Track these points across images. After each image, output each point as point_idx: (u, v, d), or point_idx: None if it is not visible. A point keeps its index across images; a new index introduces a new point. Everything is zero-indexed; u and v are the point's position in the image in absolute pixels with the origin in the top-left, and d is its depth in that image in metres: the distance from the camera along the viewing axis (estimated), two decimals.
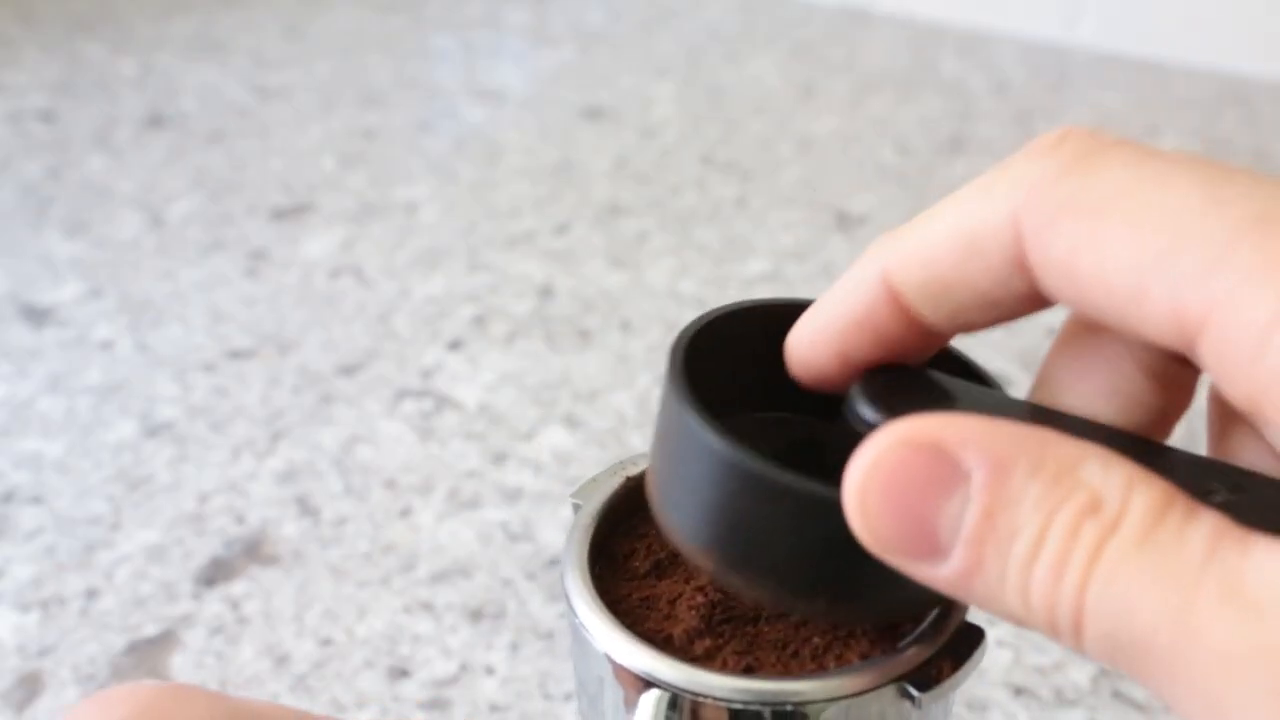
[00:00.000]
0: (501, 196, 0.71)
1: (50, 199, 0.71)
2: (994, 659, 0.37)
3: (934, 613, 0.20)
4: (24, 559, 0.43)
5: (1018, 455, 0.14)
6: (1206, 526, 0.13)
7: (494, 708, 0.36)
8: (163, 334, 0.57)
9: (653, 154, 0.77)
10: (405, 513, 0.44)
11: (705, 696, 0.18)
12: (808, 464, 0.18)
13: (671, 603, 0.21)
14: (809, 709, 0.18)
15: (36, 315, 0.59)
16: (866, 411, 0.17)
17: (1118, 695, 0.35)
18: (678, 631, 0.20)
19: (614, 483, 0.23)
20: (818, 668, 0.20)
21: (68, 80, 0.90)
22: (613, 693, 0.20)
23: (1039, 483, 0.13)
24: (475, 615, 0.40)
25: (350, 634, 0.39)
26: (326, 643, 0.39)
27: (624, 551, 0.23)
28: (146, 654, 0.38)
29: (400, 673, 0.37)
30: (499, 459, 0.47)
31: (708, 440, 0.17)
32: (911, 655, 0.19)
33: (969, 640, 0.20)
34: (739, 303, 0.21)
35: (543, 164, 0.76)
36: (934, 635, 0.20)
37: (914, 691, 0.19)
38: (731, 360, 0.21)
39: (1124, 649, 0.13)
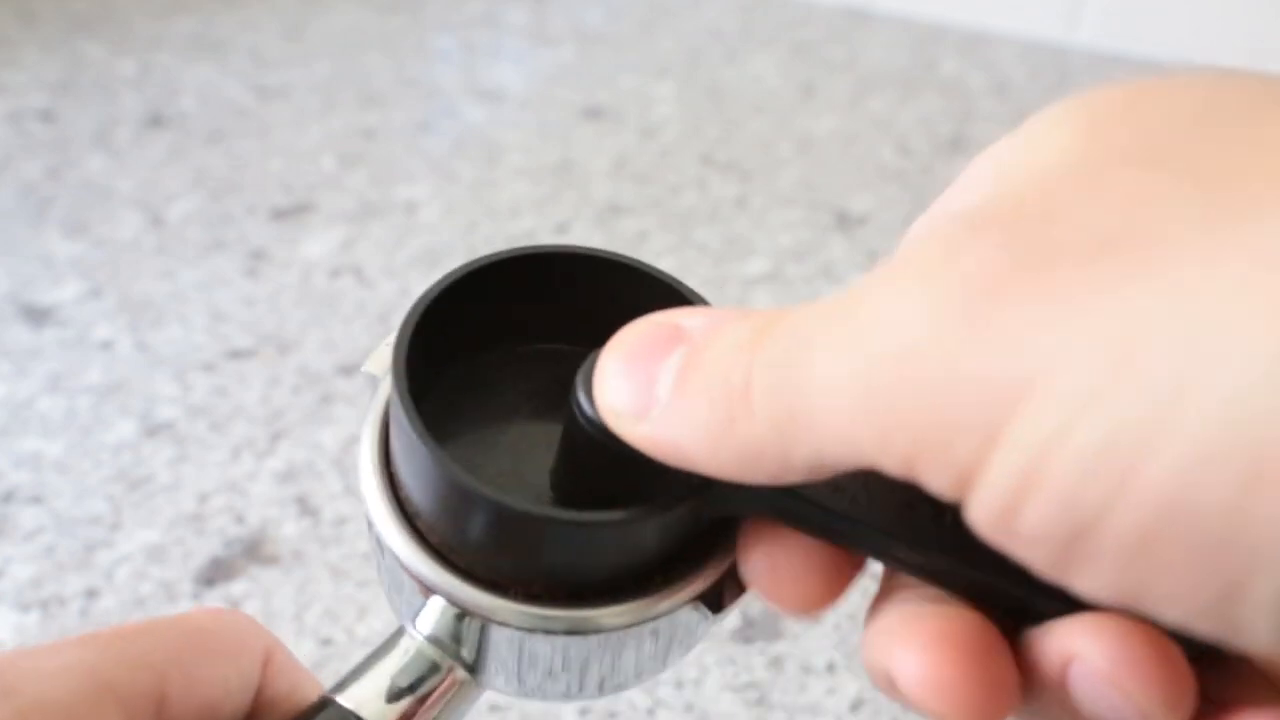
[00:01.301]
0: (501, 196, 0.71)
1: (50, 199, 0.71)
2: None
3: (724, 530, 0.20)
4: (24, 559, 0.43)
5: (732, 314, 0.16)
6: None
7: (494, 708, 0.36)
8: (163, 334, 0.57)
9: (653, 154, 0.77)
10: None
11: (493, 620, 0.18)
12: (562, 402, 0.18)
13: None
14: (606, 634, 0.18)
15: (36, 315, 0.59)
16: (587, 406, 0.18)
17: None
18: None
19: (405, 346, 0.20)
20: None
21: (68, 80, 0.90)
22: (409, 586, 0.19)
23: (746, 322, 0.16)
24: None
25: (350, 634, 0.39)
26: (326, 643, 0.39)
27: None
28: None
29: None
30: None
31: (422, 447, 0.18)
32: (706, 576, 0.19)
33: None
34: (472, 263, 0.21)
35: (543, 164, 0.76)
36: (726, 551, 0.19)
37: (708, 611, 0.19)
38: (497, 303, 0.22)
39: (784, 382, 0.15)
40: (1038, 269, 0.13)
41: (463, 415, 0.21)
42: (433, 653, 0.20)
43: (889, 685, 0.16)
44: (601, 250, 0.22)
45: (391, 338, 0.20)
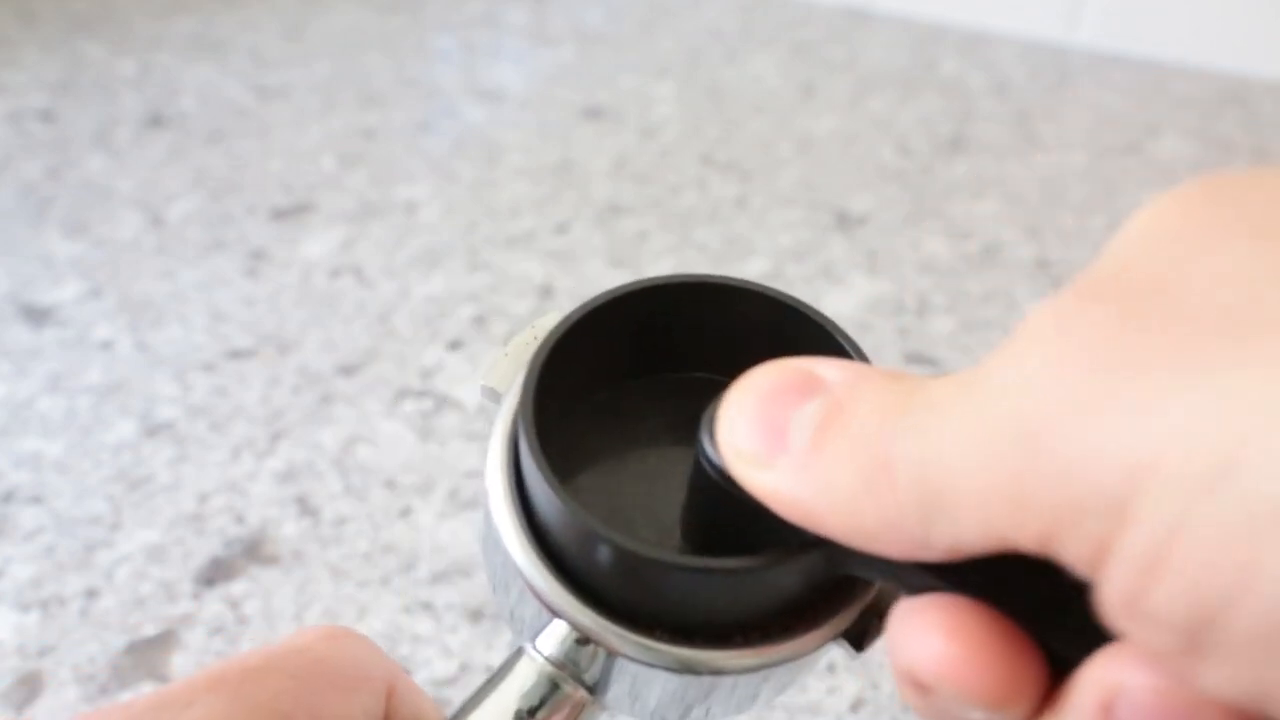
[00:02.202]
0: (501, 196, 0.71)
1: (50, 199, 0.71)
2: None
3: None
4: (24, 559, 0.43)
5: (875, 372, 0.16)
6: None
7: None
8: (163, 334, 0.57)
9: (653, 154, 0.77)
10: (405, 513, 0.44)
11: (625, 656, 0.18)
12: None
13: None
14: (735, 677, 0.18)
15: (36, 315, 0.59)
16: (712, 453, 0.17)
17: None
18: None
19: (529, 353, 0.20)
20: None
21: (68, 80, 0.90)
22: (532, 605, 0.19)
23: (888, 380, 0.15)
24: (475, 615, 0.40)
25: None
26: None
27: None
28: (146, 654, 0.38)
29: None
30: None
31: (549, 491, 0.17)
32: (844, 615, 0.19)
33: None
34: (624, 287, 0.21)
35: (543, 164, 0.76)
36: (863, 589, 0.19)
37: (851, 649, 0.19)
38: (634, 331, 0.21)
39: (930, 469, 0.14)
40: (1156, 337, 0.12)
41: (600, 441, 0.21)
42: (555, 674, 0.19)
43: (911, 678, 0.16)
44: (761, 286, 0.21)
45: (509, 346, 0.20)
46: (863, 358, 0.20)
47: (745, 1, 1.08)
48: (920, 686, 0.16)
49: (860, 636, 0.19)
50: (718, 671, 0.18)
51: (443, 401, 0.51)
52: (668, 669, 0.18)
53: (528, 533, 0.19)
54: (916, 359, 0.53)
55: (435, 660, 0.38)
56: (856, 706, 0.36)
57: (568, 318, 0.20)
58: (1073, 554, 0.13)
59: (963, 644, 0.15)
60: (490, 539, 0.20)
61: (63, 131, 0.81)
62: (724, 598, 0.18)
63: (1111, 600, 0.13)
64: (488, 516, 0.20)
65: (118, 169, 0.75)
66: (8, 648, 0.39)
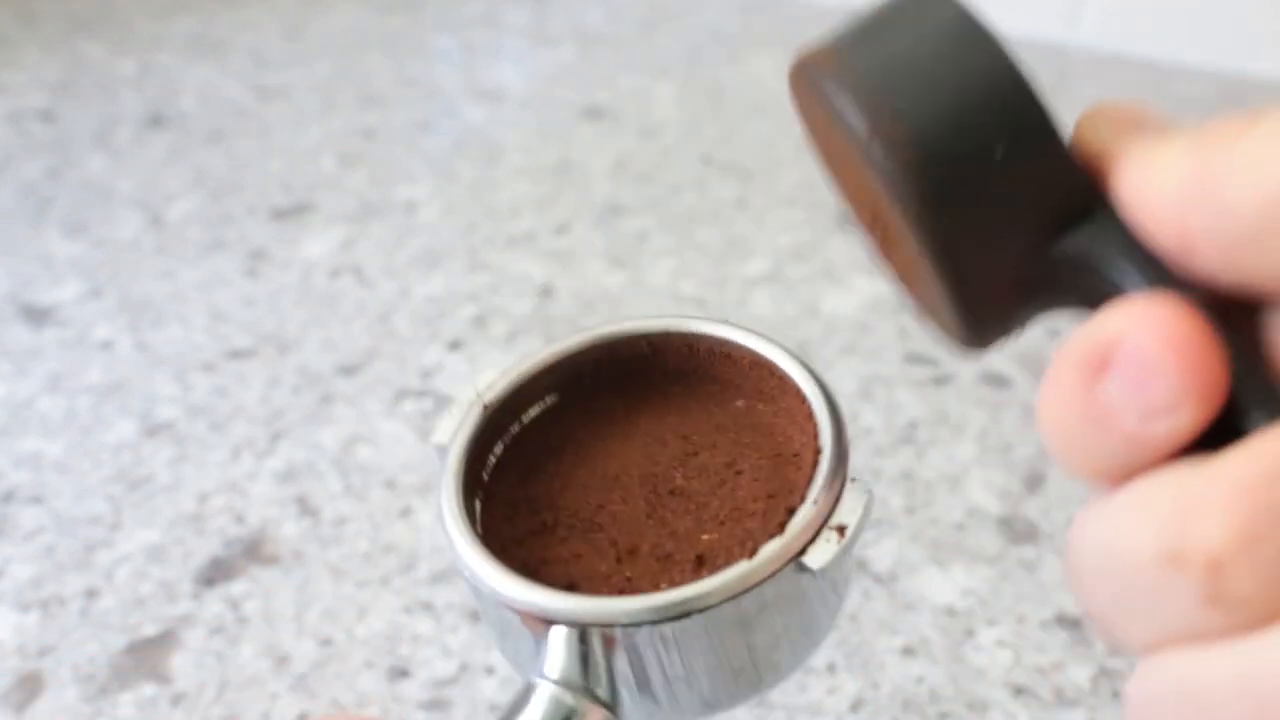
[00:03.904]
0: (501, 196, 0.71)
1: (50, 199, 0.71)
2: (994, 659, 0.37)
3: (818, 478, 0.20)
4: (24, 559, 0.43)
5: None
6: None
7: (494, 708, 0.36)
8: (163, 334, 0.57)
9: (653, 154, 0.77)
10: (405, 513, 0.44)
11: (612, 625, 0.19)
12: None
13: (556, 533, 0.22)
14: (716, 611, 0.19)
15: (36, 315, 0.59)
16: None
17: (1118, 695, 0.35)
18: (573, 565, 0.21)
19: (475, 415, 0.23)
20: (707, 568, 0.20)
21: (68, 80, 0.90)
22: (523, 632, 0.20)
23: None
24: (475, 615, 0.40)
25: (350, 634, 0.39)
26: (326, 643, 0.39)
27: (501, 488, 0.23)
28: (146, 654, 0.38)
29: (400, 673, 0.37)
30: None
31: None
32: (800, 529, 0.19)
33: (853, 499, 0.20)
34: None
35: (543, 164, 0.76)
36: (819, 501, 0.20)
37: (810, 566, 0.19)
38: None
39: None
40: None
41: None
42: (568, 697, 0.19)
43: (1099, 363, 0.14)
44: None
45: (454, 408, 0.23)
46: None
47: (745, 1, 1.08)
48: (1108, 372, 0.14)
49: (817, 553, 0.19)
50: (693, 608, 0.18)
51: (443, 401, 0.51)
52: (656, 622, 0.18)
53: (493, 559, 0.20)
54: (916, 359, 0.53)
55: (435, 660, 0.38)
56: (856, 706, 0.36)
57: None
58: None
59: (1193, 328, 0.13)
60: (471, 584, 0.20)
61: (63, 131, 0.81)
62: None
63: None
64: (453, 553, 0.21)
65: (118, 169, 0.75)
66: (8, 648, 0.39)
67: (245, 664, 0.38)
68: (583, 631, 0.19)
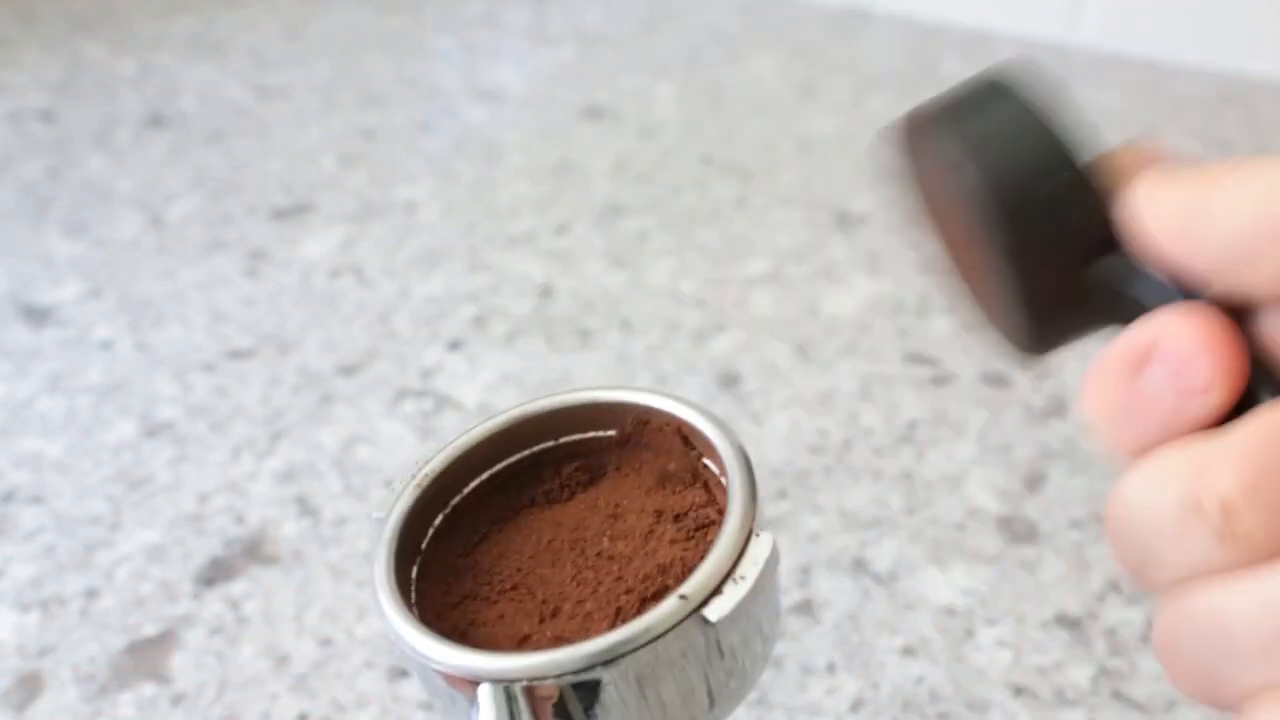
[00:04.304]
0: (501, 196, 0.71)
1: (50, 199, 0.71)
2: (994, 659, 0.37)
3: (723, 532, 0.21)
4: (24, 559, 0.43)
5: None
6: None
7: None
8: (163, 334, 0.57)
9: (653, 154, 0.77)
10: None
11: (530, 679, 0.20)
12: None
13: (487, 597, 0.23)
14: (623, 662, 0.20)
15: (36, 315, 0.59)
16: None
17: (1118, 695, 0.35)
18: (498, 626, 0.22)
19: (412, 489, 0.25)
20: (618, 618, 0.21)
21: (68, 80, 0.90)
22: (455, 695, 0.21)
23: None
24: None
25: (350, 634, 0.39)
26: (326, 643, 0.39)
27: (438, 557, 0.25)
28: (146, 654, 0.38)
29: (400, 673, 0.37)
30: None
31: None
32: (702, 583, 0.20)
33: (756, 551, 0.21)
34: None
35: (543, 164, 0.76)
36: (722, 555, 0.21)
37: (710, 618, 0.20)
38: None
39: None
40: None
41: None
42: None
43: (1141, 360, 0.17)
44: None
45: (396, 483, 0.25)
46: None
47: (745, 1, 1.08)
48: (1150, 365, 0.17)
49: (715, 605, 0.20)
50: (597, 661, 0.19)
51: (443, 401, 0.51)
52: (562, 675, 0.20)
53: (415, 620, 0.21)
54: (916, 359, 0.53)
55: None
56: (856, 706, 0.36)
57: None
58: None
59: (1217, 326, 0.17)
60: (399, 651, 0.22)
61: (63, 131, 0.81)
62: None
63: None
64: (384, 622, 0.22)
65: (118, 169, 0.75)
66: (8, 648, 0.39)
67: (245, 664, 0.38)
68: (507, 688, 0.20)
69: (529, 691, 0.20)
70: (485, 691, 0.20)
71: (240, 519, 0.44)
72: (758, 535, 0.22)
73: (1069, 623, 0.38)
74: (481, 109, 0.85)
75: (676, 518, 0.24)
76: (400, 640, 0.21)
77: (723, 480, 0.24)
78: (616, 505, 0.25)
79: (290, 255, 0.64)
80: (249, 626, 0.39)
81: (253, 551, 0.43)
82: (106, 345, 0.56)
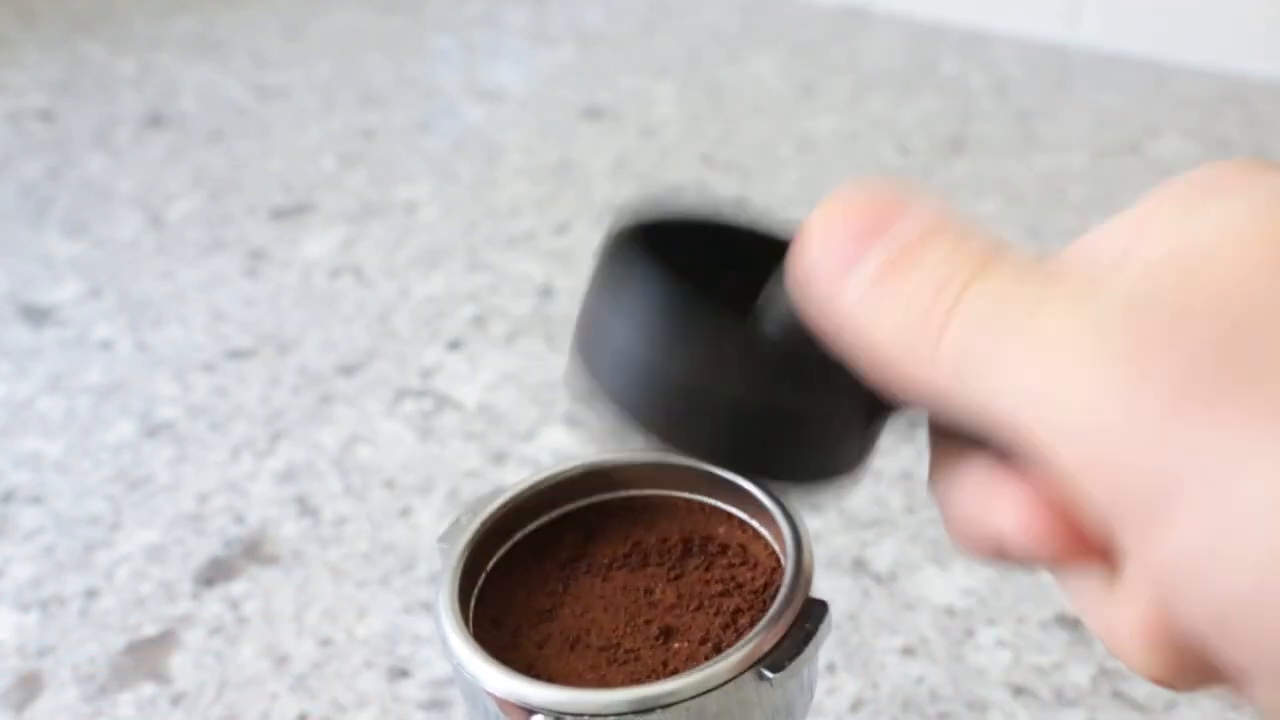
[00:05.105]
0: (501, 196, 0.71)
1: (50, 199, 0.71)
2: (994, 659, 0.37)
3: (780, 594, 0.22)
4: (24, 559, 0.43)
5: (950, 224, 0.17)
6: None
7: None
8: (163, 334, 0.57)
9: (653, 154, 0.77)
10: (405, 513, 0.44)
11: (583, 715, 0.20)
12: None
13: (544, 632, 0.24)
14: (677, 708, 0.20)
15: (36, 315, 0.59)
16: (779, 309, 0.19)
17: (1118, 695, 0.35)
18: (554, 662, 0.23)
19: (476, 524, 0.25)
20: (676, 671, 0.22)
21: (68, 80, 0.90)
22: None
23: (958, 236, 0.16)
24: None
25: (350, 634, 0.39)
26: (326, 643, 0.39)
27: (497, 589, 0.26)
28: (146, 654, 0.38)
29: (400, 673, 0.37)
30: (499, 459, 0.47)
31: (657, 284, 0.19)
32: (762, 640, 0.21)
33: (815, 615, 0.22)
34: (674, 212, 0.23)
35: (543, 164, 0.76)
36: (781, 616, 0.22)
37: (769, 674, 0.21)
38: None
39: (979, 339, 0.15)
40: (1238, 389, 0.13)
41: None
42: None
43: (990, 543, 0.17)
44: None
45: (460, 516, 0.26)
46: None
47: (745, 1, 1.08)
48: (1002, 551, 0.17)
49: (777, 662, 0.21)
50: (656, 704, 0.20)
51: (443, 401, 0.51)
52: (621, 714, 0.20)
53: (476, 645, 0.22)
54: None
55: (435, 660, 0.38)
56: (856, 706, 0.36)
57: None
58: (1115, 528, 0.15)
59: (1048, 512, 0.16)
60: (457, 674, 0.22)
61: (63, 131, 0.81)
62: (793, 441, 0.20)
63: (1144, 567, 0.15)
64: (444, 645, 0.22)
65: (118, 169, 0.75)
66: (8, 648, 0.39)
67: (245, 664, 0.38)
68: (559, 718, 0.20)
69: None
70: None
71: (240, 519, 0.44)
72: (815, 599, 0.23)
73: (1069, 623, 0.38)
74: (481, 109, 0.85)
75: (729, 574, 0.25)
76: (461, 666, 0.22)
77: (775, 541, 0.25)
78: (676, 557, 0.26)
79: (290, 255, 0.64)
80: (249, 626, 0.39)
81: (252, 551, 0.43)
82: (106, 345, 0.56)
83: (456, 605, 0.23)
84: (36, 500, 0.46)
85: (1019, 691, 0.36)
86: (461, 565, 0.24)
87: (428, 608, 0.40)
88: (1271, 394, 0.13)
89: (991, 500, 0.17)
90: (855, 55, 0.96)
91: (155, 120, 0.83)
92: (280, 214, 0.69)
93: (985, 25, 1.00)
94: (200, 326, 0.57)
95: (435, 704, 0.36)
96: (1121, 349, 0.14)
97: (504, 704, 0.21)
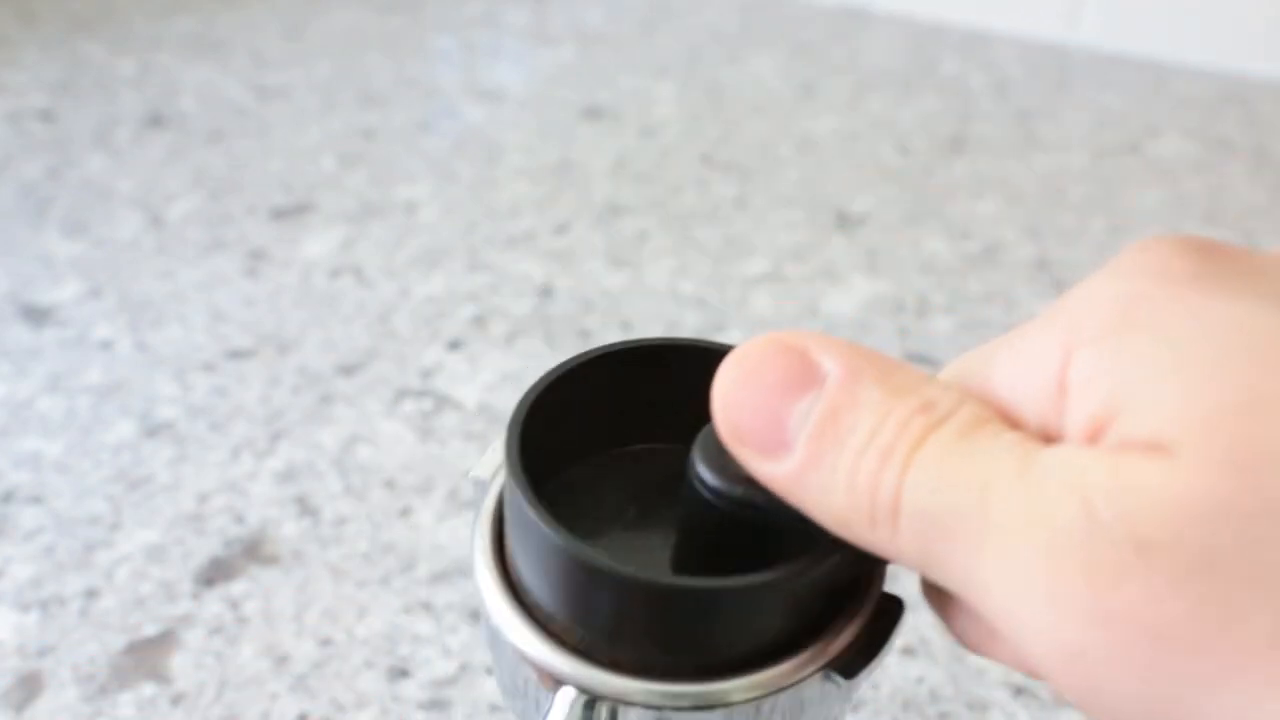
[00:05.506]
0: (501, 196, 0.71)
1: (50, 199, 0.71)
2: None
3: (859, 588, 0.20)
4: (24, 559, 0.43)
5: (869, 367, 0.15)
6: (1018, 435, 0.15)
7: (494, 708, 0.36)
8: (163, 334, 0.57)
9: (653, 154, 0.77)
10: (405, 513, 0.44)
11: (622, 701, 0.18)
12: (674, 497, 0.18)
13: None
14: (738, 708, 0.18)
15: (36, 315, 0.59)
16: (708, 475, 0.18)
17: None
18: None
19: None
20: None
21: (68, 80, 0.89)
22: (533, 686, 0.19)
23: (883, 389, 0.15)
24: (475, 615, 0.40)
25: (350, 634, 0.39)
26: (326, 643, 0.39)
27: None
28: (146, 654, 0.38)
29: (400, 673, 0.37)
30: None
31: (545, 531, 0.17)
32: (835, 642, 0.19)
33: (889, 615, 0.20)
34: (577, 357, 0.21)
35: (543, 164, 0.76)
36: (854, 615, 0.19)
37: (839, 678, 0.19)
38: (587, 406, 0.21)
39: (934, 525, 0.14)
40: (1218, 631, 0.12)
41: (570, 524, 0.21)
42: None
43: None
44: (698, 340, 0.22)
45: (498, 442, 0.20)
46: None
47: (745, 1, 1.08)
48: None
49: (849, 665, 0.19)
50: (722, 703, 0.18)
51: (443, 401, 0.51)
52: (675, 708, 0.18)
53: (518, 607, 0.19)
54: (916, 359, 0.53)
55: (435, 660, 0.38)
56: (856, 706, 0.36)
57: (540, 381, 0.21)
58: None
59: None
60: (490, 634, 0.20)
61: (63, 131, 0.81)
62: (727, 621, 0.18)
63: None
64: (483, 608, 0.20)
65: (118, 169, 0.75)
66: (8, 648, 0.39)
67: (245, 664, 0.38)
68: (591, 700, 0.18)
69: (613, 711, 0.18)
70: (564, 697, 0.18)
71: (240, 519, 0.44)
72: (889, 597, 0.21)
73: None
74: (481, 109, 0.85)
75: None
76: (496, 628, 0.19)
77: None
78: None
79: (290, 255, 0.64)
80: (249, 626, 0.39)
81: (253, 551, 0.43)
82: (106, 345, 0.56)
83: (494, 554, 0.20)
84: (36, 500, 0.46)
85: (1019, 692, 0.36)
86: (497, 505, 0.21)
87: (428, 607, 0.40)
88: (1259, 630, 0.12)
89: (986, 641, 0.17)
90: (855, 55, 0.96)
91: (155, 120, 0.83)
92: (280, 214, 0.69)
93: (985, 25, 1.00)
94: (200, 326, 0.57)
95: (435, 704, 0.36)
96: (1082, 588, 0.13)
97: (539, 670, 0.19)
